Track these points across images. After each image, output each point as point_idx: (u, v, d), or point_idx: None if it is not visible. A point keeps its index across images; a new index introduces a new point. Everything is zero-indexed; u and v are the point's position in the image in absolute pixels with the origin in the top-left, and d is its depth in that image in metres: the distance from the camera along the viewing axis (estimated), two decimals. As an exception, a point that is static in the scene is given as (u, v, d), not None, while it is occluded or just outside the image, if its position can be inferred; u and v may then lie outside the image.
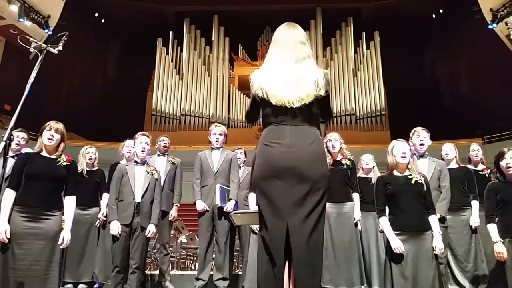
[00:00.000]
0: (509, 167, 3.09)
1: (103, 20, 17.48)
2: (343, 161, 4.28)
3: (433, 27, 17.61)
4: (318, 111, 2.07)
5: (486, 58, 15.58)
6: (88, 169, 4.71)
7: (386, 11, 17.31)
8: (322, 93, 2.01)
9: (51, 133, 3.05)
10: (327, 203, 3.94)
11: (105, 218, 4.52)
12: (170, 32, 18.31)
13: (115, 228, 3.59)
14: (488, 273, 4.01)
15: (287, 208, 1.92)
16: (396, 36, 17.54)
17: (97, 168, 4.82)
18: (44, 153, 3.06)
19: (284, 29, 2.19)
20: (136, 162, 3.85)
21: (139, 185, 3.74)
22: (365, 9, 17.96)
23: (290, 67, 2.05)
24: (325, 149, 4.28)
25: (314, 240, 1.93)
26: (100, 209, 4.59)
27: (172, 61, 17.99)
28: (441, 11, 17.19)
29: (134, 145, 3.93)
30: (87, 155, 4.74)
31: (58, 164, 3.03)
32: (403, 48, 17.88)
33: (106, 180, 4.67)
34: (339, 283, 3.99)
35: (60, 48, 3.76)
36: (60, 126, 3.11)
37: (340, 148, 4.33)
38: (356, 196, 4.28)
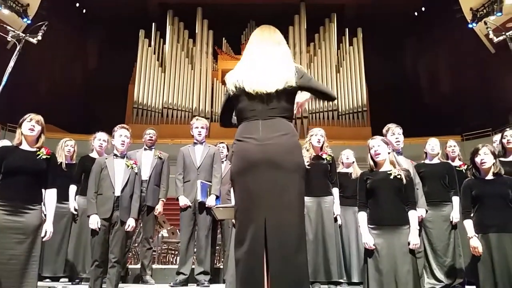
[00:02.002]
0: (483, 163, 3.16)
1: (84, 10, 17.14)
2: (324, 156, 4.33)
3: (415, 25, 17.86)
4: (289, 105, 2.10)
5: (465, 56, 15.88)
6: (67, 162, 4.65)
7: (369, 8, 17.45)
8: (293, 84, 2.06)
9: (32, 123, 3.02)
10: (307, 197, 4.04)
11: (75, 212, 4.46)
12: (153, 23, 18.08)
13: (94, 222, 3.55)
14: (464, 267, 4.12)
15: (264, 201, 1.91)
16: (378, 33, 17.73)
17: (75, 161, 4.76)
18: (23, 146, 3.01)
19: (260, 30, 2.28)
20: (115, 155, 3.79)
21: (118, 179, 3.68)
22: (348, 5, 18.07)
23: (264, 60, 2.11)
24: (309, 142, 4.33)
25: (295, 234, 1.91)
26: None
27: (154, 53, 17.77)
28: (423, 9, 17.44)
29: (113, 138, 3.86)
30: (66, 148, 4.68)
31: (38, 157, 2.98)
32: (385, 45, 18.09)
33: (75, 173, 4.58)
34: (318, 277, 4.04)
35: (39, 38, 3.69)
36: (40, 118, 3.08)
37: (323, 144, 4.38)
38: (335, 191, 4.33)
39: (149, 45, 17.77)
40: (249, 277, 1.88)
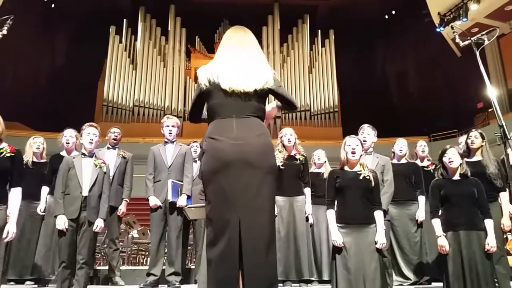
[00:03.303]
0: (451, 161, 3.28)
1: (53, 5, 16.65)
2: (297, 156, 4.37)
3: (385, 27, 18.24)
4: (263, 105, 2.10)
5: (433, 59, 16.37)
6: (36, 160, 4.52)
7: (341, 10, 17.72)
8: (270, 86, 2.06)
9: None
10: (280, 197, 4.07)
11: (43, 213, 4.35)
12: (124, 20, 17.76)
13: (61, 222, 3.45)
14: (431, 265, 4.23)
15: (239, 202, 1.90)
16: (350, 35, 18.01)
17: (45, 160, 4.63)
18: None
19: (232, 31, 2.26)
20: (83, 154, 3.69)
21: (86, 178, 3.58)
22: (321, 7, 18.29)
23: (240, 60, 2.09)
24: (280, 144, 4.37)
25: (267, 235, 1.91)
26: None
27: (125, 50, 17.46)
28: (393, 12, 17.83)
29: (81, 136, 3.76)
30: (34, 145, 4.55)
31: (1, 155, 2.87)
32: (356, 47, 18.40)
33: (46, 173, 4.46)
34: (290, 275, 4.08)
35: (5, 32, 3.56)
36: None
37: (295, 143, 4.42)
38: (307, 190, 4.38)
39: (120, 41, 17.45)
40: (225, 278, 1.86)
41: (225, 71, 2.03)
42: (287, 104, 2.19)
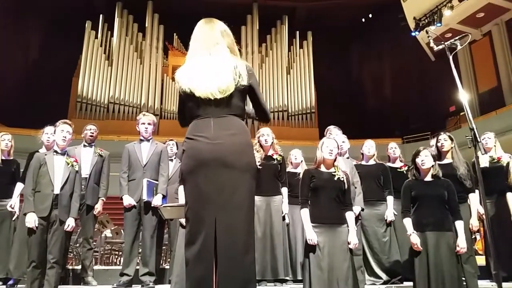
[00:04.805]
0: (423, 163, 3.36)
1: (25, -3, 16.19)
2: (274, 156, 4.39)
3: (362, 30, 18.52)
4: (241, 103, 2.08)
5: (408, 63, 16.72)
6: (3, 158, 4.38)
7: (319, 12, 17.91)
8: (245, 82, 2.03)
9: None
10: (257, 197, 4.07)
11: (12, 209, 4.25)
12: (100, 15, 17.45)
13: (31, 220, 3.36)
14: (403, 264, 4.32)
15: (214, 201, 1.89)
16: (327, 37, 18.21)
17: (12, 158, 4.50)
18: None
19: (201, 26, 2.19)
20: (55, 151, 3.61)
21: (58, 176, 3.50)
22: (299, 8, 18.43)
23: (209, 61, 2.05)
24: (258, 144, 4.37)
25: (243, 235, 1.90)
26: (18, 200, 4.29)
27: (101, 46, 17.15)
28: (370, 15, 18.12)
29: (55, 133, 3.68)
30: (3, 142, 4.41)
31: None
32: (333, 49, 18.62)
33: (23, 170, 4.36)
34: (266, 274, 4.09)
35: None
36: None
37: (272, 143, 4.44)
38: (284, 190, 4.40)
39: (96, 37, 17.13)
40: (199, 278, 1.85)
41: (195, 80, 2.01)
42: (261, 111, 2.16)
